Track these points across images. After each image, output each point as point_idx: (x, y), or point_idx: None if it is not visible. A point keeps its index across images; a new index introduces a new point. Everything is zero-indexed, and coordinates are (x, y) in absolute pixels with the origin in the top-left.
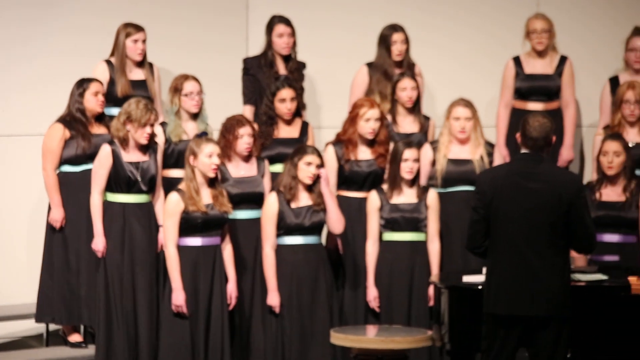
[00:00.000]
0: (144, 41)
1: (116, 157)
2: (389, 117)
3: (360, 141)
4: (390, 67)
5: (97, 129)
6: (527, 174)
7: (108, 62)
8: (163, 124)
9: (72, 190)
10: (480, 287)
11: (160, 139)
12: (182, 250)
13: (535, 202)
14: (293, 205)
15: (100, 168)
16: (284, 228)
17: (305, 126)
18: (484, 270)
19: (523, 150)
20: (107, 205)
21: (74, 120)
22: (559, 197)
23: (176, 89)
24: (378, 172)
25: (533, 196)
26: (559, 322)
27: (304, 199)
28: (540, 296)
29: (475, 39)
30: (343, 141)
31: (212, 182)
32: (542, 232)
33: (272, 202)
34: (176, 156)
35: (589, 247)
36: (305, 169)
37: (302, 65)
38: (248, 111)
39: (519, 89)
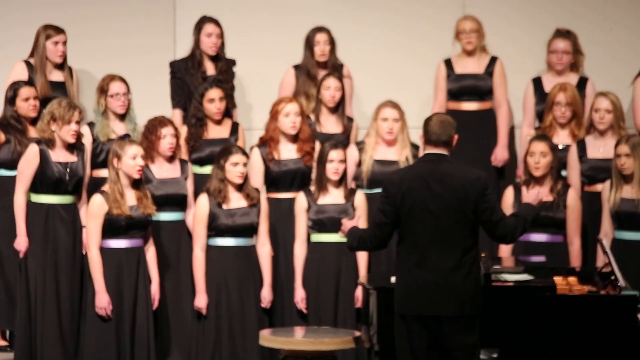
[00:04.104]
0: (64, 43)
1: (44, 157)
2: (312, 117)
3: (284, 139)
4: (313, 67)
5: (34, 133)
6: (432, 175)
7: (27, 62)
8: (90, 124)
9: (5, 194)
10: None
11: (87, 139)
12: (105, 252)
13: (441, 203)
14: (224, 206)
15: (27, 167)
16: (215, 229)
17: (235, 126)
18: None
19: (427, 150)
20: (30, 206)
21: (9, 125)
22: (465, 196)
23: (102, 90)
24: (305, 171)
25: (439, 197)
26: (469, 320)
27: (235, 200)
28: (449, 296)
29: (405, 40)
30: (266, 141)
31: (136, 184)
32: (450, 232)
33: (203, 203)
34: (105, 155)
35: (508, 237)
36: (233, 170)
37: (232, 63)
38: (177, 115)
39: (450, 89)
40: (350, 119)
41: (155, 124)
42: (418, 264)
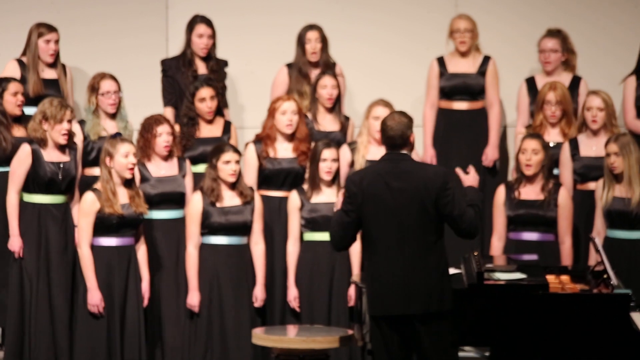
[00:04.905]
0: (56, 41)
1: (36, 157)
2: (309, 115)
3: (280, 137)
4: (305, 65)
5: (17, 131)
6: (391, 173)
7: (19, 61)
8: (81, 122)
9: None
10: None
11: (78, 137)
12: (96, 250)
13: (402, 202)
14: (218, 204)
15: (19, 167)
16: (208, 227)
17: (227, 125)
18: None
19: (386, 150)
20: (23, 206)
21: None
22: (426, 193)
23: (93, 88)
24: (299, 171)
25: (399, 196)
26: (439, 317)
27: (228, 199)
28: (415, 294)
29: (398, 39)
30: (262, 139)
31: (128, 183)
32: (413, 231)
33: (196, 201)
34: (96, 153)
35: (470, 231)
36: (226, 168)
37: (224, 64)
38: (168, 113)
39: (443, 88)
40: (347, 117)
41: (151, 123)
42: (382, 263)
